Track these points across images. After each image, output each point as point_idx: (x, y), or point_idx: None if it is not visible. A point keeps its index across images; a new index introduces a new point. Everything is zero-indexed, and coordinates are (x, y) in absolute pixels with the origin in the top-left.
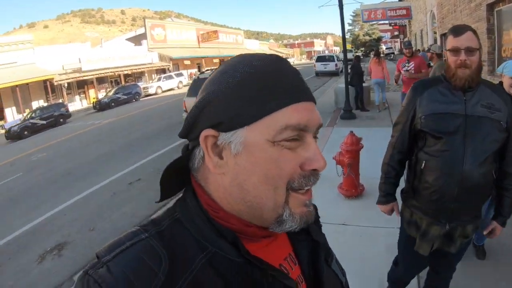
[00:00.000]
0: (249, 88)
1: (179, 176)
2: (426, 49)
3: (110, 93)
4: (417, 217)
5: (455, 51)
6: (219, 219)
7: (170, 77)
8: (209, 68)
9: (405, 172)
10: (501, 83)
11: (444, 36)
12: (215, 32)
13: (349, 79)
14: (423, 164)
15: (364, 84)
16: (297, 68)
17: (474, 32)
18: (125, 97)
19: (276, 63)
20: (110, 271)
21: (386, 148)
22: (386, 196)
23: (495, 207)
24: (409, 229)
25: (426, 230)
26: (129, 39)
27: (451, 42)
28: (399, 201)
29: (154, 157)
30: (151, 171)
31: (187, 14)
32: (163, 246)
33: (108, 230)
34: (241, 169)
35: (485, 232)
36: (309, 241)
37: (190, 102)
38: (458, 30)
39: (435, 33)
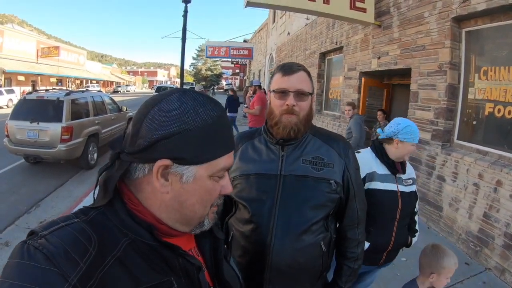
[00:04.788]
0: (208, 136)
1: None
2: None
3: None
4: None
5: (282, 93)
6: (138, 212)
7: (0, 93)
8: (41, 88)
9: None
10: (379, 142)
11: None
12: (57, 48)
13: None
14: (231, 235)
15: None
16: (136, 97)
17: (308, 73)
18: None
19: (221, 116)
20: (49, 242)
21: None
22: None
23: (333, 275)
24: None
25: None
26: None
27: (278, 81)
28: None
29: None
30: None
31: (31, 23)
32: (93, 230)
33: None
34: (185, 192)
35: None
36: (211, 237)
37: (13, 126)
38: (288, 68)
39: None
